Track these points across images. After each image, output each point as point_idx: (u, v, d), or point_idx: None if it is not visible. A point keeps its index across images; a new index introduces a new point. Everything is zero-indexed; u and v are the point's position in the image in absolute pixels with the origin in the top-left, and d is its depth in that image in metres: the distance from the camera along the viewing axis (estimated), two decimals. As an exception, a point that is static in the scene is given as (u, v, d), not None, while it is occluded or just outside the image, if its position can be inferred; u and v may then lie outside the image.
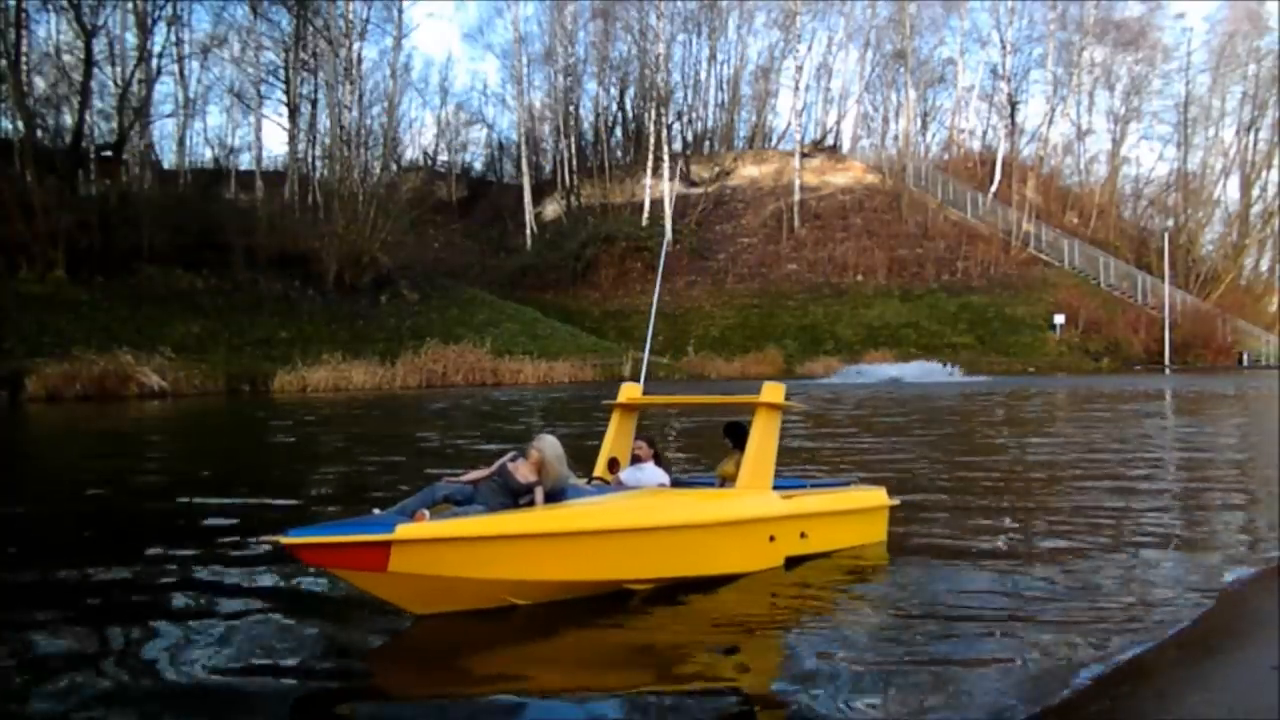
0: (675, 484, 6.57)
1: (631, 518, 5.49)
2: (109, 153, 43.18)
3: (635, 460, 6.65)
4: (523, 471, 5.57)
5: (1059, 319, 51.64)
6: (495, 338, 42.06)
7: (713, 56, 68.75)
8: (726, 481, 6.61)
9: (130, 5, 43.55)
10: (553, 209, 64.99)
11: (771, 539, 6.08)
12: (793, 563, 6.13)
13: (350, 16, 50.91)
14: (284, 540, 4.69)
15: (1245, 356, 52.32)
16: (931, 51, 67.44)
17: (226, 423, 22.26)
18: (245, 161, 56.36)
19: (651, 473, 6.49)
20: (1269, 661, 4.20)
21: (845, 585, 5.96)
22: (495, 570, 5.01)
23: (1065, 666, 4.30)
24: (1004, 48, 64.30)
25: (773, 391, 6.34)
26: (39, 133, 40.15)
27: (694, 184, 63.29)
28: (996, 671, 4.27)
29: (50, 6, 41.28)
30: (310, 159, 52.58)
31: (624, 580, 5.41)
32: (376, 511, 5.37)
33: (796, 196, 60.41)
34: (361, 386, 34.36)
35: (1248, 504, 8.82)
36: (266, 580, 6.04)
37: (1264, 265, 65.50)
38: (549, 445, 5.62)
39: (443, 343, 39.14)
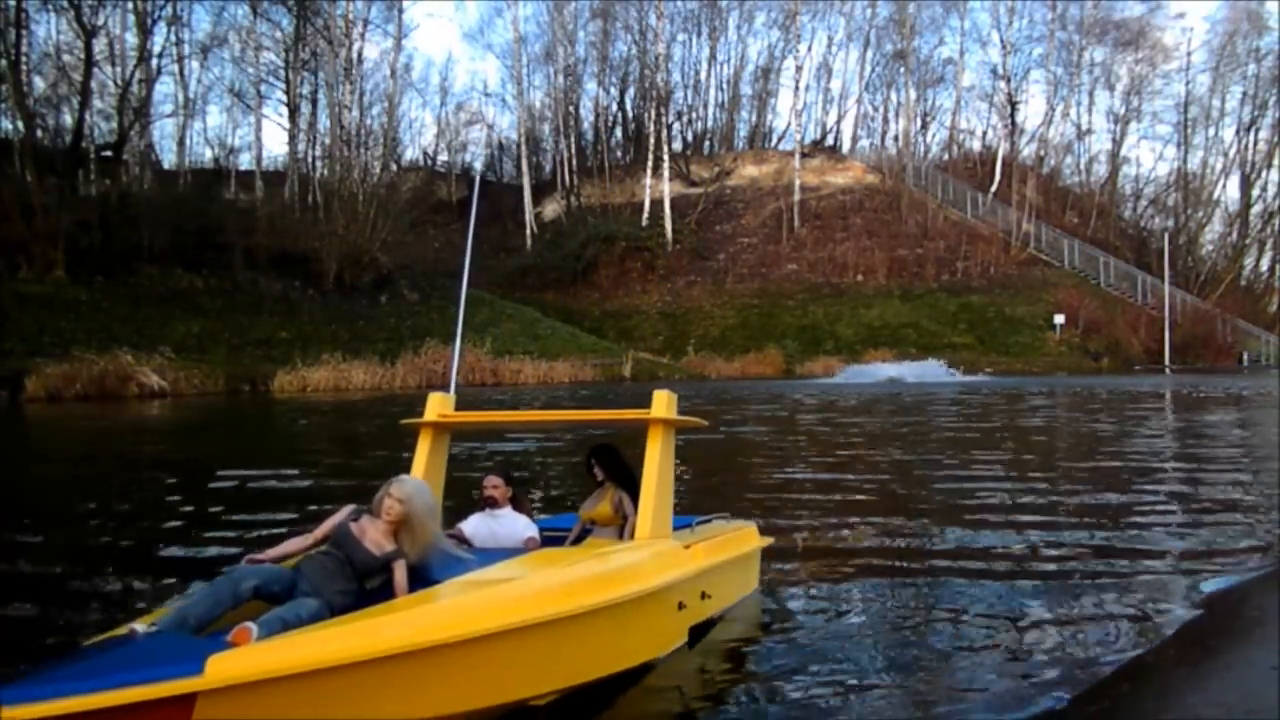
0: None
1: (545, 603, 3.60)
2: (109, 153, 43.20)
3: (489, 503, 4.88)
4: (374, 536, 3.75)
5: (1059, 319, 51.66)
6: (495, 338, 42.05)
7: (713, 56, 68.89)
8: (597, 527, 5.06)
9: (130, 5, 43.63)
10: (553, 209, 65.01)
11: (681, 606, 4.47)
12: (696, 634, 4.59)
13: (350, 16, 50.98)
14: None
15: (1245, 356, 52.34)
16: (931, 51, 67.57)
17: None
18: (245, 161, 56.50)
19: (511, 522, 4.81)
20: (1269, 661, 4.19)
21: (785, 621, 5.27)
22: (360, 709, 3.08)
23: (1065, 667, 4.30)
24: (1004, 48, 64.41)
25: (666, 403, 4.71)
26: (39, 133, 40.25)
27: (694, 184, 63.30)
28: (995, 672, 4.26)
29: (50, 6, 41.33)
30: (310, 159, 52.68)
31: (532, 697, 3.62)
32: (137, 629, 3.11)
33: (796, 196, 60.42)
34: (362, 386, 34.38)
35: (1248, 503, 8.81)
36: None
37: (1264, 265, 65.67)
38: (416, 493, 3.82)
39: (443, 343, 39.10)
